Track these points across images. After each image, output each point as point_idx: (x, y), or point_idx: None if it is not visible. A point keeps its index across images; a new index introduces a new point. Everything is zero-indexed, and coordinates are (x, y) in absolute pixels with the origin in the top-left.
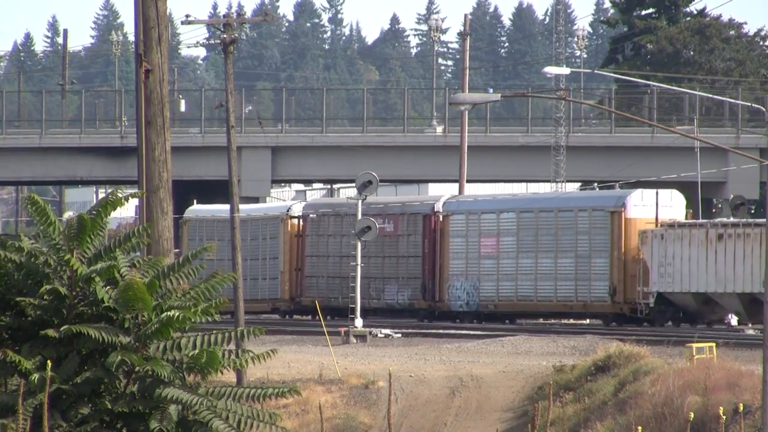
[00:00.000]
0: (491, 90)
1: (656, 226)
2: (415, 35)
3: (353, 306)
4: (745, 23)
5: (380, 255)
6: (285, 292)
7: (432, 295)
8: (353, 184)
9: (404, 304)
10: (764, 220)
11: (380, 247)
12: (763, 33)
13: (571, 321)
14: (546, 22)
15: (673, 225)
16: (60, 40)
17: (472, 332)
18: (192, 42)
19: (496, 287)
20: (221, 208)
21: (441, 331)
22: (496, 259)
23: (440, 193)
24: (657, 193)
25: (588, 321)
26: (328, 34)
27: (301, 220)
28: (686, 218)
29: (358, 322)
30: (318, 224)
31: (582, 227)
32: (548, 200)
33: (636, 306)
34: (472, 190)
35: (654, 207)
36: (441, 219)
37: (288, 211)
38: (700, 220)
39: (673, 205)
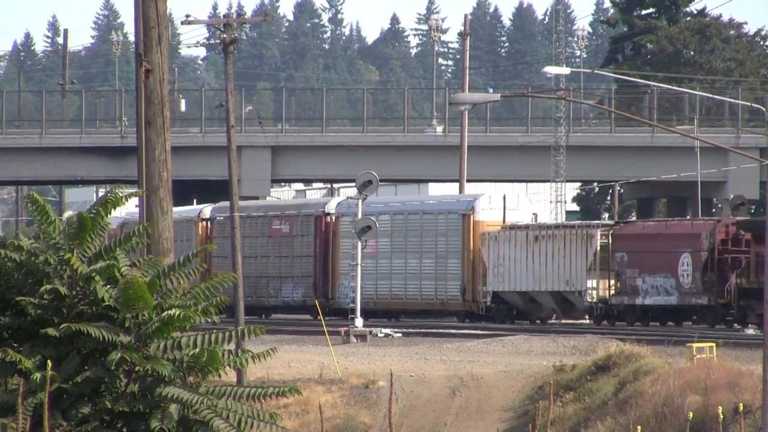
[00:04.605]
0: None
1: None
2: (415, 35)
3: (353, 306)
4: (745, 23)
5: (277, 255)
6: None
7: (324, 292)
8: (353, 184)
9: (298, 301)
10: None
11: (277, 247)
12: (763, 33)
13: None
14: (546, 22)
15: (505, 227)
16: (60, 39)
17: (472, 332)
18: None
19: (375, 286)
20: None
21: (441, 330)
22: (376, 259)
23: (439, 193)
24: (504, 196)
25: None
26: (328, 34)
27: (209, 223)
28: (532, 221)
29: (359, 321)
30: (224, 227)
31: (441, 229)
32: (415, 204)
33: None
34: (473, 189)
35: (501, 210)
36: (333, 221)
37: (199, 214)
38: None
39: (519, 209)
